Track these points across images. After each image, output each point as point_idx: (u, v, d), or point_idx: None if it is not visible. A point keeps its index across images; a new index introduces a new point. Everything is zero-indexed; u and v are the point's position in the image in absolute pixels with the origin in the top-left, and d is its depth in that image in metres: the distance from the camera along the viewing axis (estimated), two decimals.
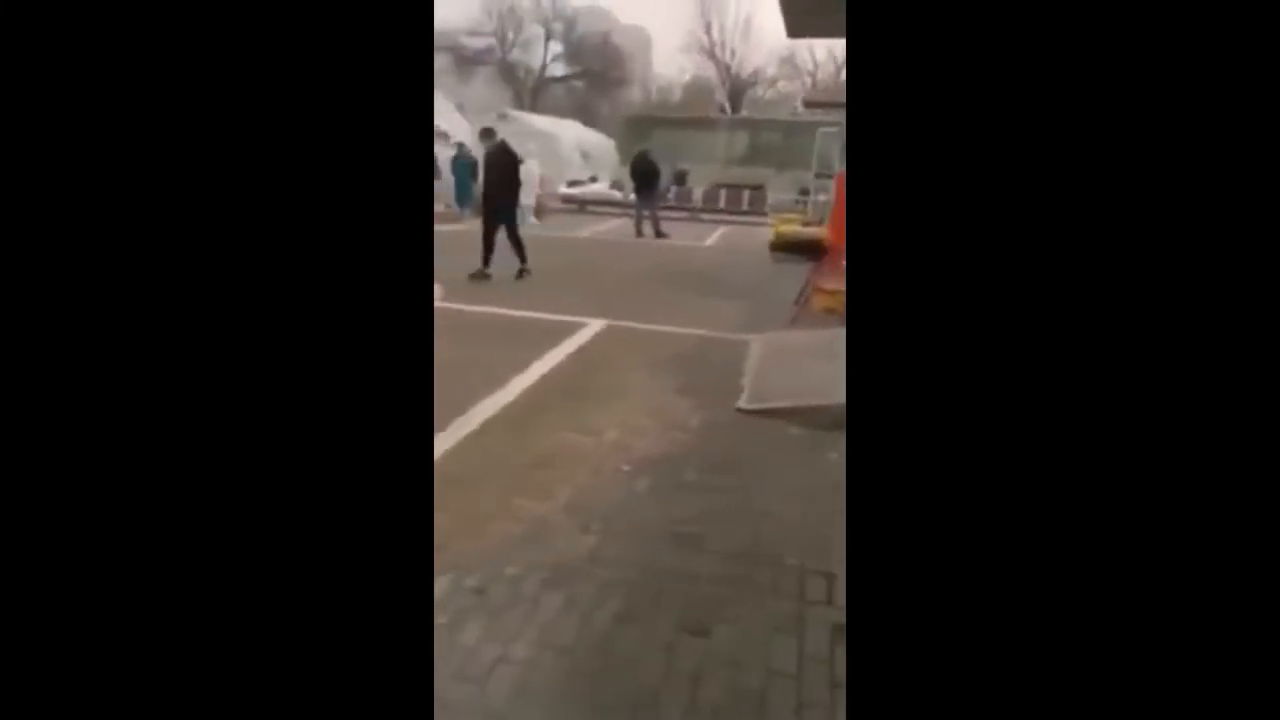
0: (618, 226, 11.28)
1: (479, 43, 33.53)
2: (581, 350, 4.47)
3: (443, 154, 11.70)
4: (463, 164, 11.50)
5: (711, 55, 33.32)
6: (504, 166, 6.60)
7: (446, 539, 2.23)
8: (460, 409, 3.29)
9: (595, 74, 34.78)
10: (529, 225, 11.03)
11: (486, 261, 6.56)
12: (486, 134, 6.98)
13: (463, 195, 11.45)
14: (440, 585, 2.01)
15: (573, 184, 15.03)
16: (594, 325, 4.97)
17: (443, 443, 2.94)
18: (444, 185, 11.51)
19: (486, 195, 6.74)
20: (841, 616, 1.91)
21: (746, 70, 33.22)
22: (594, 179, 16.84)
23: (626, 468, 2.82)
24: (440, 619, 1.87)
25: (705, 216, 12.62)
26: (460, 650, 1.76)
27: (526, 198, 11.52)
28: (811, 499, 2.55)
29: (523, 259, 6.71)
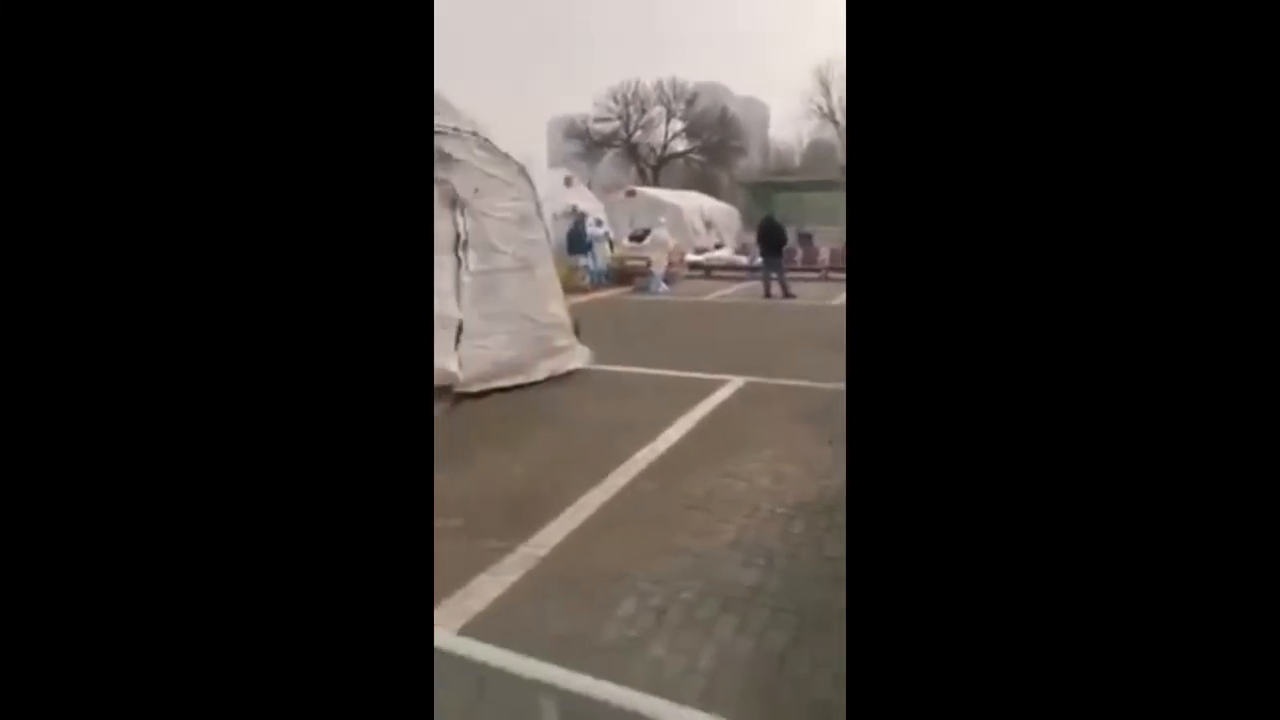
0: (744, 289, 11.59)
1: (606, 127, 36.03)
2: (726, 404, 4.71)
3: (583, 232, 12.63)
4: (594, 240, 12.40)
5: (831, 118, 33.72)
6: None
7: (624, 567, 2.50)
8: (617, 460, 3.61)
9: (713, 146, 36.13)
10: (660, 292, 11.60)
11: None
12: None
13: (594, 264, 12.29)
14: (626, 605, 2.27)
15: (699, 251, 15.60)
16: (735, 381, 5.21)
17: (603, 493, 3.24)
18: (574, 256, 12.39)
19: None
20: None
21: None
22: (719, 245, 17.36)
23: (781, 510, 2.99)
24: (630, 633, 2.12)
25: (833, 275, 12.69)
26: (649, 661, 1.99)
27: (657, 266, 12.20)
28: None
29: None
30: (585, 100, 38.33)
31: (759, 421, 4.29)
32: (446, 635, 0.99)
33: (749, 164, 36.30)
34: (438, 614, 2.20)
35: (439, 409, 4.37)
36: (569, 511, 3.01)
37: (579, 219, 12.52)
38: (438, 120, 4.29)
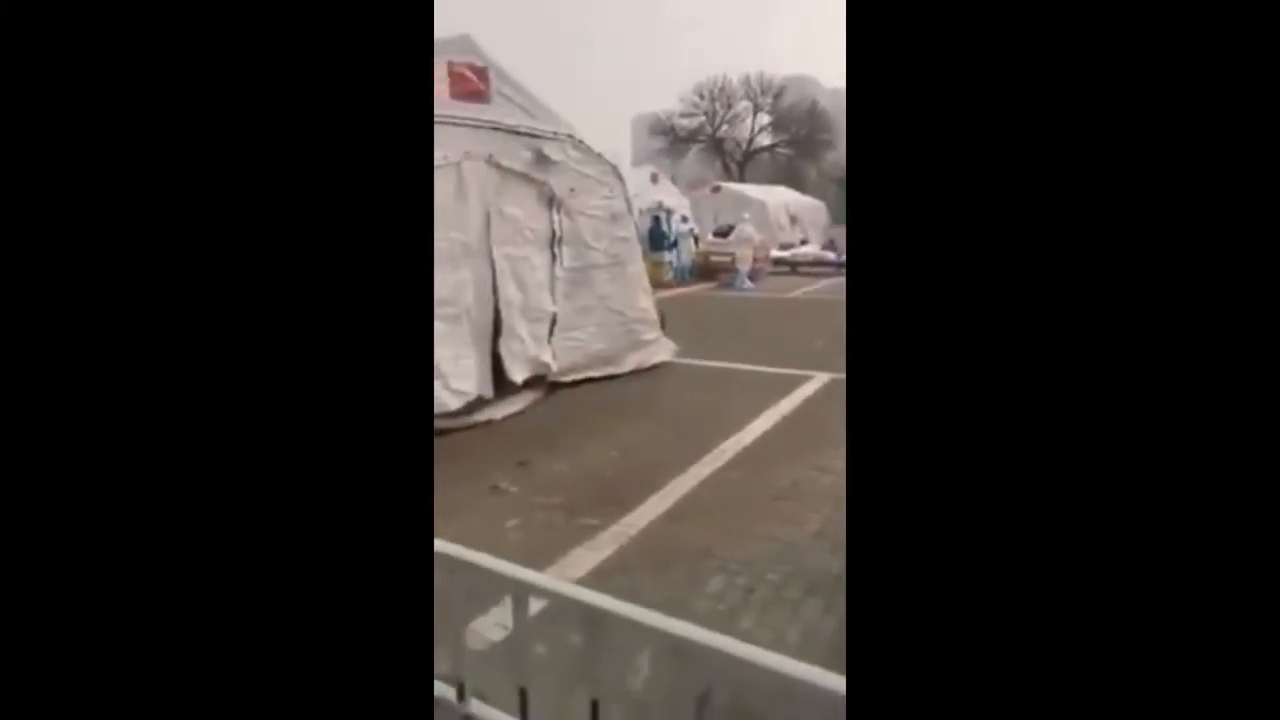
0: (831, 285, 11.42)
1: (691, 123, 36.05)
2: (811, 400, 4.74)
3: (673, 228, 12.78)
4: (679, 236, 12.52)
5: None
6: None
7: (712, 548, 2.63)
8: (704, 450, 3.73)
9: (801, 140, 35.46)
10: (744, 288, 11.60)
11: None
12: None
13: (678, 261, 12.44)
14: (715, 582, 2.40)
15: (784, 247, 15.44)
16: (821, 377, 5.22)
17: (690, 480, 3.37)
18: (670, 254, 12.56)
19: None
20: None
21: None
22: (804, 241, 17.12)
23: None
24: (719, 607, 2.25)
25: None
26: (739, 634, 2.11)
27: (741, 262, 12.20)
28: None
29: None
30: (669, 96, 38.52)
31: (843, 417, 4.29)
32: (565, 584, 1.15)
33: (838, 158, 35.36)
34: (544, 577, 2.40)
35: (533, 397, 4.62)
36: (658, 496, 3.16)
37: (656, 216, 12.69)
38: (537, 124, 4.53)
